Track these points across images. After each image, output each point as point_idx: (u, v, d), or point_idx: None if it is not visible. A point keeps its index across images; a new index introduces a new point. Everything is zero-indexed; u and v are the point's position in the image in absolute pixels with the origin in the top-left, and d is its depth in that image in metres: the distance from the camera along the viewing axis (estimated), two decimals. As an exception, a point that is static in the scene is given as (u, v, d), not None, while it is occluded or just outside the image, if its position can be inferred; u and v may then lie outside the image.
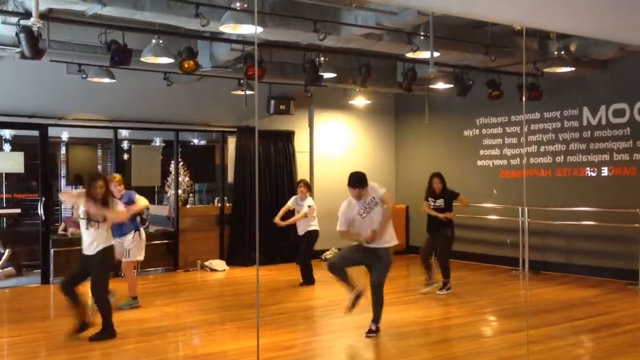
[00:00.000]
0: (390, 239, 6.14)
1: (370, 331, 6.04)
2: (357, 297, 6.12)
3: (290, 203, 8.98)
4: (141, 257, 7.54)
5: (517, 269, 9.83)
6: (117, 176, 7.53)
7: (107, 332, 5.96)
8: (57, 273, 9.09)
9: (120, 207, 6.26)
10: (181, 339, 6.27)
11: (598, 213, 9.16)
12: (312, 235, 8.71)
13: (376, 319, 6.09)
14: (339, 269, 6.11)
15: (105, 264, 6.04)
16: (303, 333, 6.09)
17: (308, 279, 8.71)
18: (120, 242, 7.13)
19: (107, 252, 5.98)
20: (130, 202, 7.30)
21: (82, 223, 5.96)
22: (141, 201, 7.38)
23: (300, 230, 8.80)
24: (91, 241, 5.91)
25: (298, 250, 9.07)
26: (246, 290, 8.54)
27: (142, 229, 7.55)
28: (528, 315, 6.62)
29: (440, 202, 8.20)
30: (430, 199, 8.28)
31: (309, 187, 9.02)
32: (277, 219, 8.80)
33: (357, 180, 6.14)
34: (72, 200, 5.99)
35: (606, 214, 9.07)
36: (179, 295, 8.37)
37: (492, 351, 5.66)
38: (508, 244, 10.13)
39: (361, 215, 6.05)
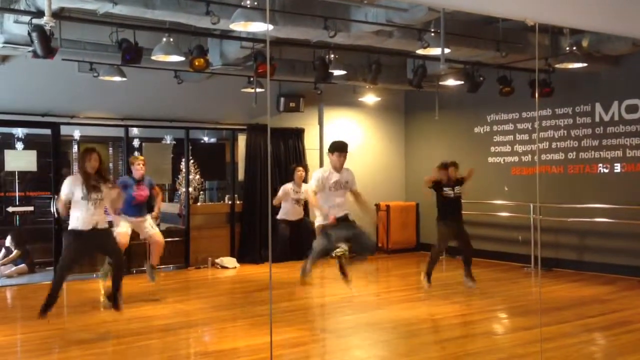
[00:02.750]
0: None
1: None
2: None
3: (281, 194, 8.69)
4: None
5: (529, 266, 9.78)
6: (141, 157, 7.67)
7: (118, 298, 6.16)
8: (69, 270, 9.16)
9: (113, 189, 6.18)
10: (193, 335, 6.30)
11: (611, 210, 9.09)
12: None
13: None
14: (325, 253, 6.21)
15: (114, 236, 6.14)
16: (314, 330, 6.10)
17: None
18: (134, 220, 7.26)
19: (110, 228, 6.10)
20: (151, 185, 7.56)
21: (80, 202, 5.76)
22: (159, 193, 7.75)
23: (292, 216, 8.74)
24: (95, 218, 5.85)
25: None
26: (257, 287, 8.56)
27: None
28: (541, 313, 6.58)
29: (458, 189, 8.10)
30: (445, 188, 8.03)
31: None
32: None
33: (344, 146, 6.29)
34: (68, 191, 5.78)
35: (619, 211, 9.00)
36: (190, 293, 8.41)
37: (504, 348, 5.64)
38: (520, 241, 10.08)
39: (331, 188, 6.14)
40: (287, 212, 8.76)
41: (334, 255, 10.86)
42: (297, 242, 8.98)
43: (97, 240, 5.91)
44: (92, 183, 5.82)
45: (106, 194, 5.97)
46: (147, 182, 7.54)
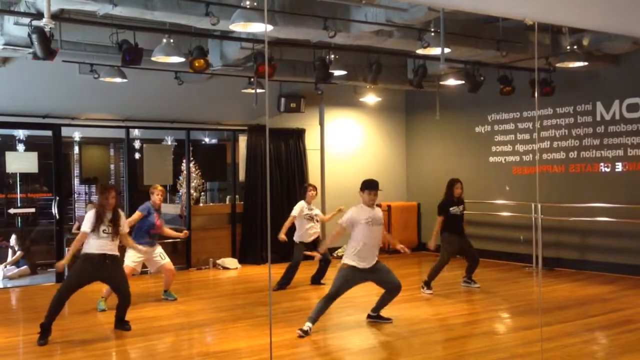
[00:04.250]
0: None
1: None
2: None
3: (297, 212, 8.32)
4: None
5: (530, 265, 9.77)
6: (161, 187, 7.66)
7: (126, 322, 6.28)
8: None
9: (124, 219, 6.31)
10: (194, 336, 6.30)
11: (612, 209, 9.08)
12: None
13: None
14: (338, 295, 6.10)
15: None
16: (315, 331, 6.09)
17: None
18: (151, 250, 7.32)
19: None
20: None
21: (97, 233, 5.98)
22: None
23: (309, 237, 8.38)
24: (111, 247, 6.03)
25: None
26: (258, 288, 8.56)
27: None
28: (542, 312, 6.58)
29: (461, 207, 8.14)
30: (452, 207, 8.04)
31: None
32: (282, 235, 8.10)
33: (376, 184, 6.34)
34: (90, 225, 6.01)
35: (620, 210, 8.99)
36: (192, 293, 8.41)
37: (505, 348, 5.63)
38: (521, 240, 10.07)
39: (368, 222, 6.12)
40: (303, 233, 8.36)
41: (335, 255, 10.92)
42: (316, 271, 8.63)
43: (107, 267, 6.02)
44: (110, 219, 6.05)
45: (122, 228, 6.19)
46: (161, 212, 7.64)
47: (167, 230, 7.85)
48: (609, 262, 9.23)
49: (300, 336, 5.87)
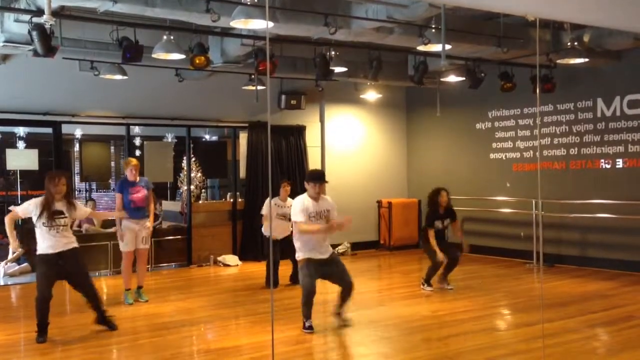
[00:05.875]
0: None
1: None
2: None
3: (265, 210, 8.01)
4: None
5: (531, 262, 9.77)
6: (134, 160, 7.42)
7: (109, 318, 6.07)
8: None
9: (81, 206, 6.09)
10: (195, 333, 6.31)
11: (613, 205, 9.07)
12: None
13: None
14: (313, 292, 5.96)
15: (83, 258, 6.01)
16: (316, 327, 6.10)
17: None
18: (135, 225, 7.21)
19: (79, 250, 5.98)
20: (147, 187, 7.42)
21: (45, 227, 5.70)
22: (152, 199, 7.46)
23: (279, 234, 8.02)
24: (64, 241, 5.79)
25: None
26: (259, 285, 8.56)
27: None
28: (543, 309, 6.58)
29: (447, 221, 7.89)
30: (437, 221, 7.81)
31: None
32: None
33: (321, 175, 6.03)
34: (31, 210, 5.70)
35: (621, 206, 8.99)
36: (193, 291, 8.41)
37: (507, 344, 5.64)
38: (522, 237, 10.07)
39: (311, 219, 5.87)
40: (273, 228, 8.03)
41: (336, 252, 10.91)
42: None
43: (63, 266, 5.75)
44: (57, 209, 5.73)
45: (78, 214, 5.95)
46: (144, 183, 7.40)
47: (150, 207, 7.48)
48: (609, 258, 9.23)
49: (310, 332, 5.89)
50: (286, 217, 7.93)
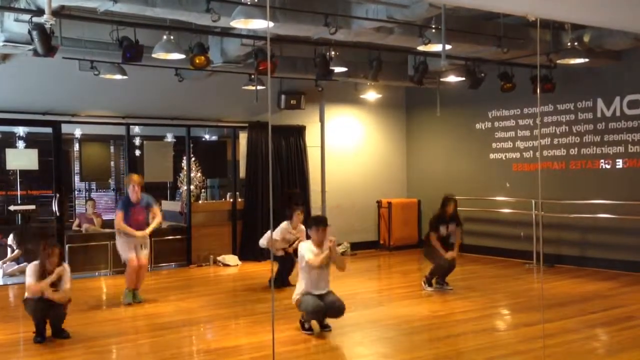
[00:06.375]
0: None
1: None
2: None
3: (281, 234, 7.92)
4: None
5: (531, 262, 9.77)
6: (136, 176, 7.31)
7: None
8: (72, 269, 9.01)
9: (68, 273, 6.05)
10: (195, 333, 6.31)
11: (613, 205, 9.07)
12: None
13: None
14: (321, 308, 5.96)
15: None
16: (316, 327, 6.09)
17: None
18: (140, 234, 7.21)
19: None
20: (148, 206, 7.36)
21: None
22: (157, 214, 7.44)
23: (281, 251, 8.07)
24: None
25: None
26: (259, 285, 8.55)
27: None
28: (543, 309, 6.58)
29: (453, 225, 7.95)
30: (442, 226, 7.88)
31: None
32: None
33: (324, 220, 6.05)
34: (40, 286, 5.81)
35: (621, 207, 8.99)
36: (192, 290, 8.41)
37: (507, 345, 5.64)
38: (522, 237, 10.07)
39: (320, 267, 5.91)
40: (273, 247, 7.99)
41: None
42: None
43: (47, 308, 5.84)
44: (52, 281, 5.84)
45: (66, 282, 5.99)
46: (145, 203, 7.31)
47: (154, 222, 7.42)
48: (609, 258, 9.23)
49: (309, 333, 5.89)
50: (289, 243, 8.06)
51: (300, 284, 6.05)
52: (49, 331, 5.89)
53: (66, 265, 6.08)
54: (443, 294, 7.79)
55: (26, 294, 5.93)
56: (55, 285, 5.88)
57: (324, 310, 5.95)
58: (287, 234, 8.09)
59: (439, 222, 7.90)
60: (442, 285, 8.00)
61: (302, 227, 8.00)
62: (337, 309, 5.99)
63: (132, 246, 7.24)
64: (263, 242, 8.22)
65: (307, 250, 5.97)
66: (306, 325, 6.02)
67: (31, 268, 5.93)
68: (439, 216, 7.96)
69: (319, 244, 5.98)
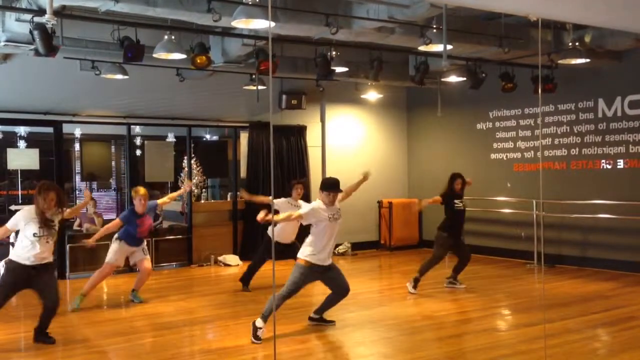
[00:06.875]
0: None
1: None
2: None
3: (284, 208, 7.60)
4: None
5: (531, 262, 9.77)
6: (142, 189, 7.28)
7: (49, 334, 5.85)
8: (72, 268, 9.22)
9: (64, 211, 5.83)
10: (196, 333, 6.31)
11: (614, 206, 9.07)
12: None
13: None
14: (291, 295, 5.93)
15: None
16: (317, 327, 6.09)
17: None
18: (130, 248, 7.28)
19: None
20: (153, 210, 7.44)
21: (35, 237, 5.50)
22: (167, 197, 7.73)
23: (285, 238, 7.86)
24: (45, 254, 5.59)
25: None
26: (260, 285, 8.54)
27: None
28: (544, 309, 6.57)
29: (461, 203, 7.96)
30: (456, 201, 7.89)
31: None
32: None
33: (337, 185, 5.99)
34: (20, 223, 5.55)
35: (622, 207, 8.98)
36: (193, 290, 8.41)
37: (508, 345, 5.64)
38: (522, 237, 10.07)
39: (330, 219, 5.85)
40: (278, 232, 7.75)
41: (336, 252, 10.92)
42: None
43: (38, 276, 5.59)
44: (47, 222, 5.56)
45: (65, 215, 5.80)
46: (150, 209, 7.33)
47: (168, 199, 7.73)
48: (610, 259, 9.23)
49: (257, 339, 5.69)
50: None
51: (308, 245, 5.91)
52: (52, 330, 5.85)
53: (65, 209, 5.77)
54: (443, 294, 7.78)
55: (10, 255, 5.58)
56: (48, 228, 5.53)
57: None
58: (290, 206, 7.79)
59: (450, 197, 7.88)
60: (455, 284, 8.03)
61: (302, 202, 7.83)
62: (344, 289, 6.06)
63: (121, 256, 7.25)
64: (277, 205, 7.79)
65: (309, 207, 5.89)
66: (258, 325, 5.76)
67: (23, 214, 5.57)
68: (447, 193, 7.91)
69: (328, 204, 5.87)
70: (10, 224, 5.65)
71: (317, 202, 5.94)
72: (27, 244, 5.53)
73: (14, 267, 5.56)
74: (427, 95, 11.45)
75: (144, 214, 7.27)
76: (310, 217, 5.82)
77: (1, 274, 5.99)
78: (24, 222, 5.56)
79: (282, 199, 8.00)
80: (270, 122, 10.77)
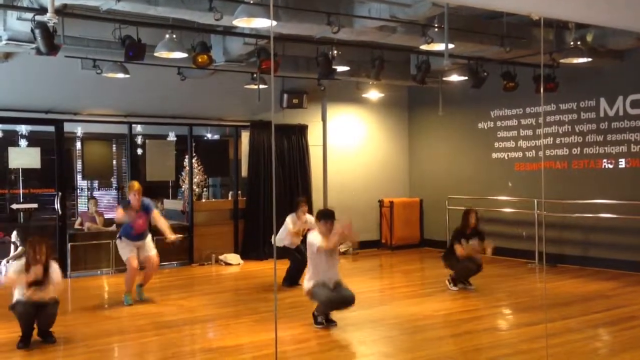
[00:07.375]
0: None
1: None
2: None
3: (294, 224, 8.08)
4: None
5: (533, 262, 9.76)
6: (136, 184, 7.32)
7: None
8: (74, 267, 9.22)
9: (56, 271, 5.79)
10: (197, 332, 6.31)
11: (615, 205, 9.06)
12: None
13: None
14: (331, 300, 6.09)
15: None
16: (318, 326, 6.09)
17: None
18: (140, 243, 7.29)
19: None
20: (148, 210, 7.37)
21: (23, 289, 5.56)
22: (158, 218, 7.47)
23: (293, 244, 8.20)
24: (37, 295, 5.59)
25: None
26: (261, 284, 8.56)
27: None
28: (546, 309, 6.57)
29: (473, 241, 7.80)
30: (463, 240, 7.75)
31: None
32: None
33: (332, 214, 6.17)
34: (15, 279, 5.62)
35: (623, 206, 8.97)
36: (194, 289, 8.42)
37: (510, 344, 5.63)
38: (524, 237, 10.06)
39: (327, 253, 6.04)
40: (289, 242, 8.16)
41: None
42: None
43: (35, 313, 5.62)
44: (38, 278, 5.58)
45: (53, 279, 5.72)
46: (145, 207, 7.33)
47: (160, 224, 7.47)
48: (611, 258, 9.22)
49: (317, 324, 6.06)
50: (298, 235, 8.18)
51: (310, 274, 6.14)
52: (53, 330, 5.86)
53: (53, 263, 5.80)
54: (444, 293, 7.78)
55: (15, 296, 5.67)
56: (41, 283, 5.60)
57: (337, 301, 6.05)
58: (296, 223, 8.11)
59: (461, 236, 7.78)
60: (465, 284, 8.02)
61: (308, 216, 8.19)
62: (348, 299, 6.11)
63: (131, 248, 7.28)
64: (281, 242, 8.11)
65: (316, 237, 6.08)
66: (319, 319, 6.11)
67: (16, 264, 5.72)
68: (460, 230, 7.85)
69: (326, 235, 6.07)
70: (15, 274, 5.65)
71: (314, 234, 6.13)
72: (18, 288, 5.63)
73: (16, 304, 5.62)
74: (428, 94, 11.44)
75: (139, 211, 7.25)
76: (309, 247, 6.11)
77: (1, 273, 5.99)
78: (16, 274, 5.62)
79: (288, 218, 8.16)
80: (271, 121, 10.77)
